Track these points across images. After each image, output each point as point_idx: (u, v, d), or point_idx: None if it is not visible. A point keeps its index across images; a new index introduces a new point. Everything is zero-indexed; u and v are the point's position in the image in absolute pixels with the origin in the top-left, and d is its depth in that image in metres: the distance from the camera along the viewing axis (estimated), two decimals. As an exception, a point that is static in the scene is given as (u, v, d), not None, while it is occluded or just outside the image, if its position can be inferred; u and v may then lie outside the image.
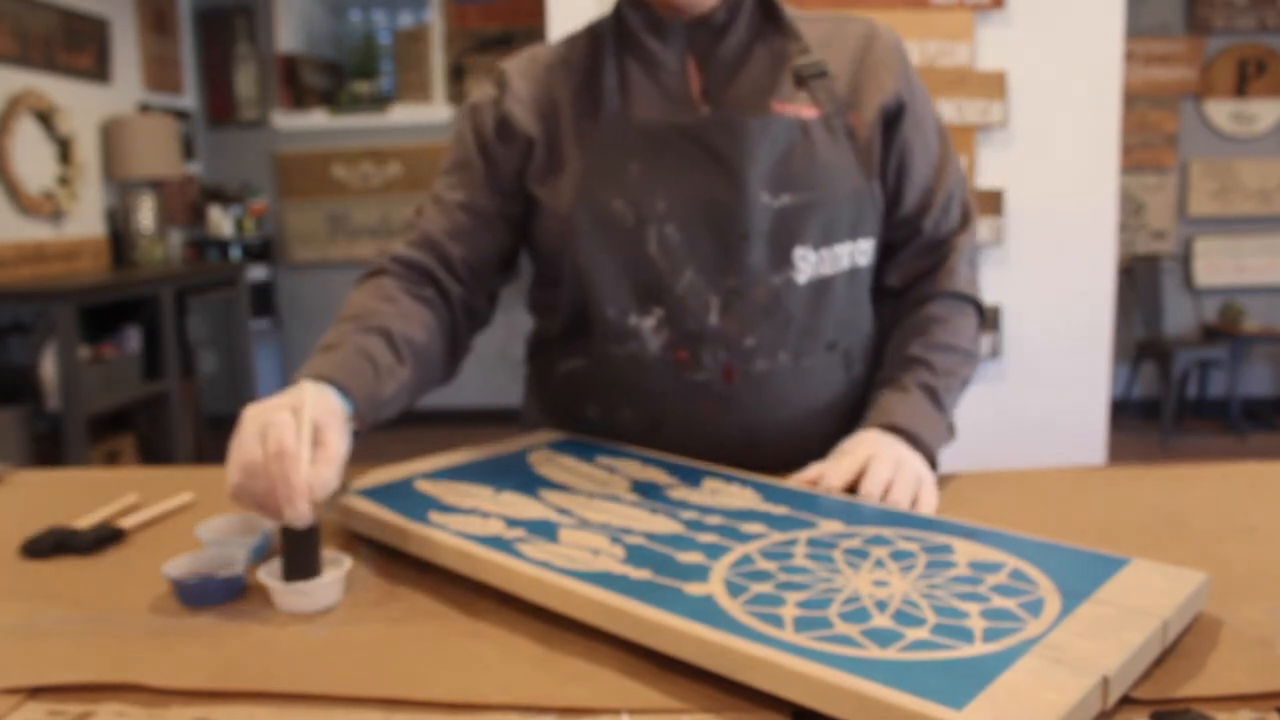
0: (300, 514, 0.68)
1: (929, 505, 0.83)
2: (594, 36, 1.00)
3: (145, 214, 4.10)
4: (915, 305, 1.02)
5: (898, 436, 0.91)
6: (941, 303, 1.01)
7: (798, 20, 0.98)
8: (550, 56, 1.01)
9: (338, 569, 0.70)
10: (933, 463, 0.93)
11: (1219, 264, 4.81)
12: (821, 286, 0.95)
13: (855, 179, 0.95)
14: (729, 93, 0.96)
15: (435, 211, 1.00)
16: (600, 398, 1.00)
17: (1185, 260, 4.84)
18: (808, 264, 0.94)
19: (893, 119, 0.97)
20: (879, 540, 0.70)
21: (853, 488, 0.84)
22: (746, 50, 0.97)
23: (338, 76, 5.20)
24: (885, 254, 1.03)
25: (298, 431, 0.70)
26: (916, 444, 0.91)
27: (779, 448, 0.97)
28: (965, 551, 0.68)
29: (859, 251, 0.97)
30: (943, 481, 0.95)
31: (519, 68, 1.00)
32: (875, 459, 0.86)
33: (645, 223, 0.92)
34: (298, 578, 0.69)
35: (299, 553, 0.69)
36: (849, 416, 1.01)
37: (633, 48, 0.97)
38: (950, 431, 0.97)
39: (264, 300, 4.81)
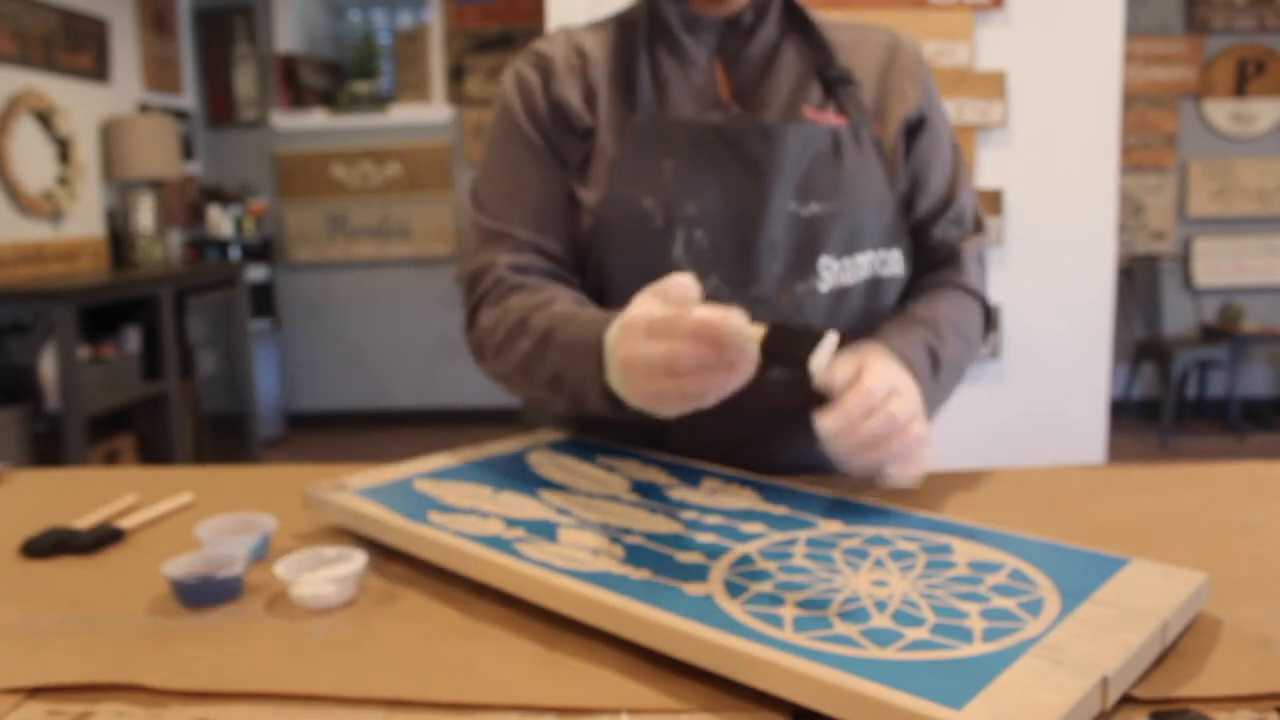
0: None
1: (920, 438, 0.73)
2: (625, 26, 0.99)
3: (145, 214, 4.10)
4: (925, 289, 1.00)
5: (900, 364, 0.82)
6: (950, 292, 0.99)
7: (823, 26, 0.98)
8: (585, 41, 0.99)
9: (351, 565, 0.70)
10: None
11: (1218, 264, 4.81)
12: (840, 295, 0.94)
13: (881, 189, 0.94)
14: (758, 96, 0.95)
15: (516, 210, 0.96)
16: None
17: (1185, 260, 4.84)
18: (831, 273, 0.93)
19: (913, 131, 0.97)
20: (878, 540, 0.70)
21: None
22: (773, 53, 0.97)
23: (337, 76, 5.20)
24: None
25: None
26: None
27: (789, 455, 0.96)
28: (965, 551, 0.68)
29: (879, 261, 0.96)
30: (942, 481, 0.95)
31: (561, 52, 0.98)
32: (880, 363, 0.75)
33: (674, 225, 0.91)
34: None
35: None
36: None
37: (666, 42, 0.96)
38: (939, 398, 0.89)
39: (263, 300, 4.81)
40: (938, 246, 1.02)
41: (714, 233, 0.91)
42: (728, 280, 0.91)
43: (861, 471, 0.72)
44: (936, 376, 0.89)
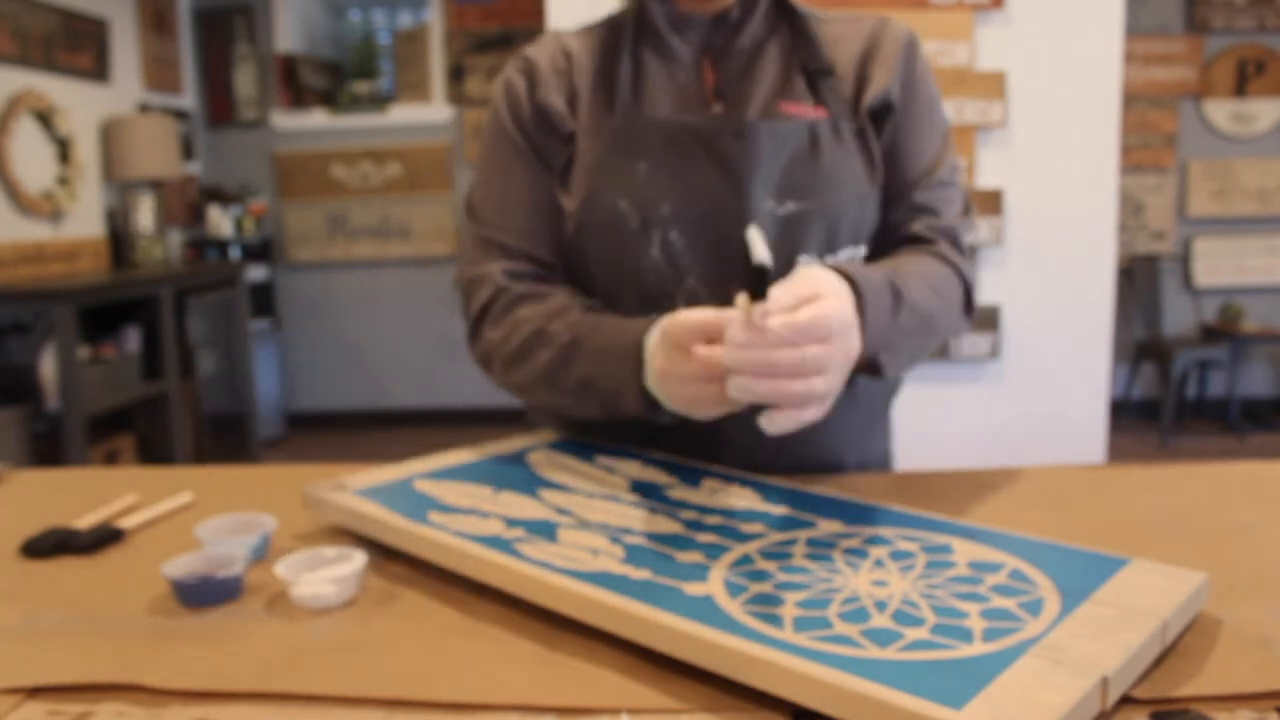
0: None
1: (815, 395, 0.68)
2: (614, 28, 0.99)
3: (145, 214, 4.10)
4: (905, 242, 0.97)
5: (851, 294, 0.77)
6: (925, 256, 0.94)
7: (812, 19, 0.98)
8: (571, 44, 1.00)
9: (351, 565, 0.70)
10: (868, 369, 0.82)
11: (1218, 264, 4.81)
12: None
13: (861, 184, 0.93)
14: (741, 92, 0.95)
15: (507, 217, 0.97)
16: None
17: (1185, 260, 4.85)
18: None
19: (879, 115, 0.95)
20: (878, 540, 0.70)
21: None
22: (760, 48, 0.96)
23: (337, 76, 5.20)
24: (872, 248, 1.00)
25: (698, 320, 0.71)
26: (861, 320, 0.77)
27: (776, 453, 0.96)
28: (965, 551, 0.68)
29: (859, 256, 0.96)
30: (943, 481, 0.94)
31: (547, 56, 0.99)
32: (829, 305, 0.70)
33: (649, 226, 0.91)
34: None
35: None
36: (845, 423, 1.00)
37: (652, 41, 0.96)
38: (889, 360, 0.84)
39: (263, 300, 4.81)
40: (913, 238, 0.97)
41: (690, 233, 0.90)
42: (705, 281, 0.91)
43: (737, 394, 0.68)
44: (897, 316, 0.83)
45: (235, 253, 4.69)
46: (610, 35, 0.99)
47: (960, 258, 0.97)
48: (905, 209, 0.97)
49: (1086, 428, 2.54)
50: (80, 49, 3.86)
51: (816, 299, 0.70)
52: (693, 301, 0.91)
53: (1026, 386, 2.53)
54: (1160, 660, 0.57)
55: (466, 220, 1.01)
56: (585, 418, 0.95)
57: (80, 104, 3.84)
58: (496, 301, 0.95)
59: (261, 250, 4.85)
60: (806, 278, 0.73)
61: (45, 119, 3.63)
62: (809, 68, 0.96)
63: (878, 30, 0.98)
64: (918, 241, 0.97)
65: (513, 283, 0.95)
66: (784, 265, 0.91)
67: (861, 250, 0.96)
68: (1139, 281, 4.66)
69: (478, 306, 0.97)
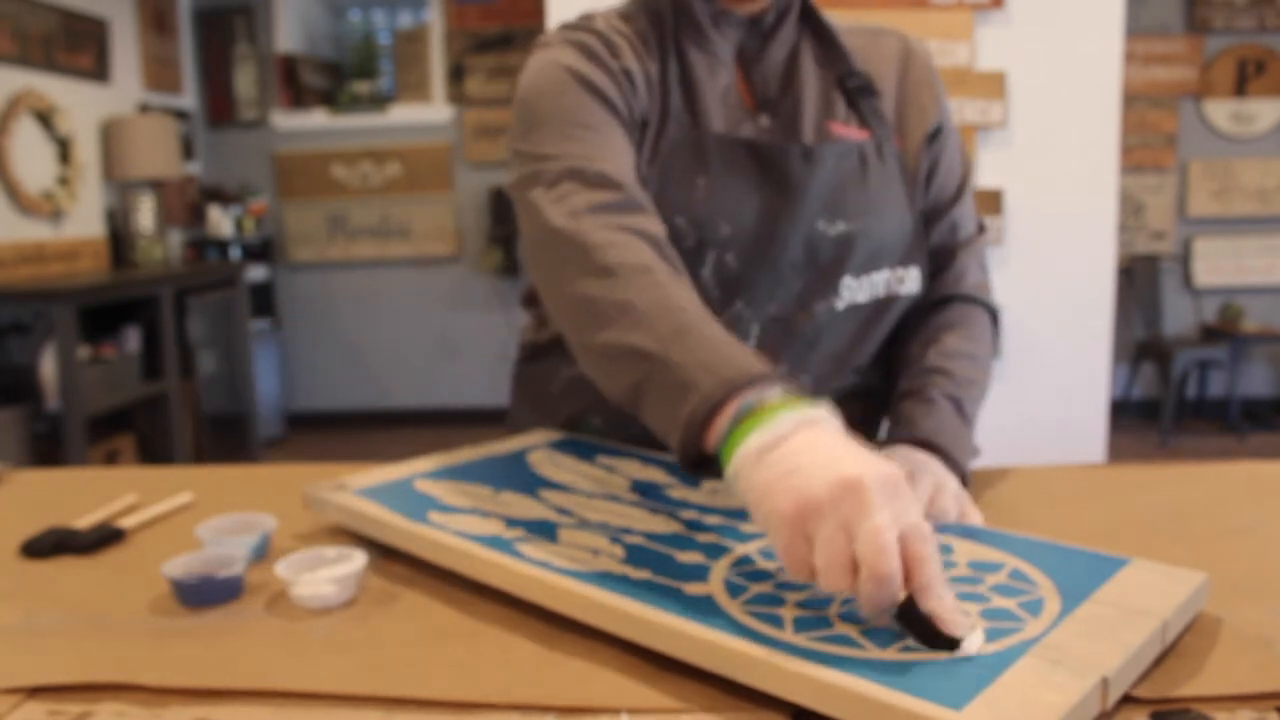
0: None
1: (976, 520, 0.76)
2: (654, 14, 0.93)
3: (145, 214, 4.10)
4: (926, 310, 0.99)
5: (929, 453, 0.85)
6: (954, 308, 0.98)
7: (836, 30, 0.96)
8: (620, 25, 0.93)
9: (351, 565, 0.70)
10: (964, 480, 0.85)
11: (1218, 264, 4.81)
12: (855, 312, 0.93)
13: (900, 205, 0.93)
14: (784, 106, 0.92)
15: (596, 151, 0.83)
16: (606, 406, 0.98)
17: (1185, 260, 4.85)
18: (849, 291, 0.91)
19: (931, 142, 0.96)
20: (879, 540, 0.70)
21: None
22: (793, 58, 0.94)
23: (337, 76, 5.20)
24: None
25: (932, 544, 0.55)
26: (948, 460, 0.85)
27: None
28: (965, 551, 0.68)
29: (895, 279, 0.94)
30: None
31: (607, 28, 0.91)
32: (913, 476, 0.78)
33: (706, 246, 0.87)
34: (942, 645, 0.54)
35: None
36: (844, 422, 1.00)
37: (693, 36, 0.92)
38: (974, 450, 0.90)
39: (263, 300, 4.81)
40: (937, 251, 0.99)
41: (743, 255, 0.88)
42: (751, 304, 0.89)
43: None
44: (965, 423, 0.90)
45: (235, 253, 4.69)
46: (651, 24, 0.93)
47: (986, 280, 1.01)
48: (948, 225, 0.99)
49: (1086, 428, 2.54)
50: (80, 49, 3.86)
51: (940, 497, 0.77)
52: (735, 322, 0.89)
53: (1026, 386, 2.53)
54: (1160, 660, 0.57)
55: (563, 167, 0.83)
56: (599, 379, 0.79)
57: (80, 104, 3.84)
58: (624, 206, 0.80)
59: (261, 250, 4.85)
60: (911, 467, 0.80)
61: (45, 119, 3.63)
62: (849, 85, 0.94)
63: (904, 50, 0.97)
64: (949, 263, 0.99)
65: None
66: (828, 285, 0.91)
67: (912, 274, 0.95)
68: (1139, 281, 4.66)
69: (591, 200, 0.80)
